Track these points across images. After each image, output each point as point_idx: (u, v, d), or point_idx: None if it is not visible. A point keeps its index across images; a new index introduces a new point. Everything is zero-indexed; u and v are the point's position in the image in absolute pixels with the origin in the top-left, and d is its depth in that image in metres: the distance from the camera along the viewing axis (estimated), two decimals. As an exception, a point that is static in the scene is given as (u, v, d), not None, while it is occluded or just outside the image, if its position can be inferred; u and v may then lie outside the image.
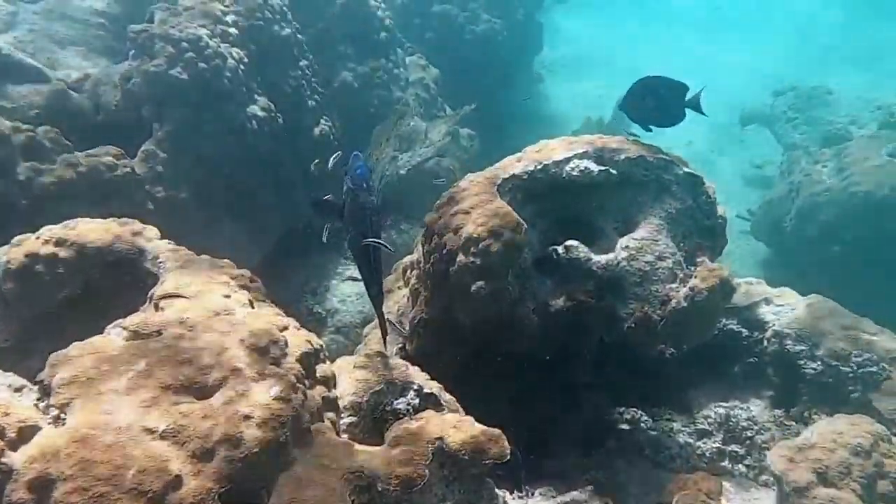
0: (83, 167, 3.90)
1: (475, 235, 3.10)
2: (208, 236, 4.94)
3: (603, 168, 3.36)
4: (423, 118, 7.15)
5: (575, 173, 3.36)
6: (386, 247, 2.54)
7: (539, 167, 3.40)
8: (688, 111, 3.37)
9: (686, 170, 3.35)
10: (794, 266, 6.15)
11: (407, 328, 3.65)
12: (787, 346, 3.38)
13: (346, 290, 5.93)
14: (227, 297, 2.76)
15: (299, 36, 6.12)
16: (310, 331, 5.88)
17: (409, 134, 6.65)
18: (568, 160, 3.38)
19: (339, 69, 6.84)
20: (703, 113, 3.35)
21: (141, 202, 4.29)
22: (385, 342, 3.06)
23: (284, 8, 5.95)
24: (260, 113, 5.21)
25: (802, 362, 3.30)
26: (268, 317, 2.67)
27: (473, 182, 3.40)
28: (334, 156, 2.95)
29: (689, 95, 3.33)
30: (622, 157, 3.37)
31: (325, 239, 3.09)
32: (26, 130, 3.74)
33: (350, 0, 7.05)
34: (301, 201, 5.80)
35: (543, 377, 3.44)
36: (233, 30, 5.15)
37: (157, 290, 2.71)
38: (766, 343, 3.50)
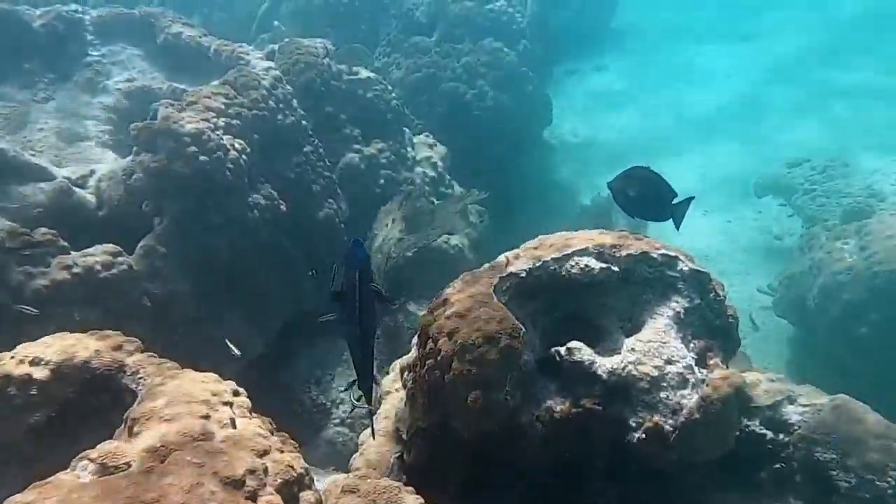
0: (78, 268, 3.86)
1: (470, 341, 2.94)
2: (208, 329, 4.84)
3: (604, 265, 3.21)
4: (429, 197, 7.11)
5: (575, 271, 3.21)
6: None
7: (538, 265, 3.26)
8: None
9: (692, 266, 3.18)
10: (821, 347, 5.86)
11: (405, 435, 3.45)
12: (816, 454, 3.10)
13: (351, 379, 5.74)
14: (207, 417, 2.64)
15: (304, 122, 6.18)
16: (313, 423, 5.65)
17: (415, 214, 6.59)
18: (567, 257, 3.24)
19: (345, 151, 6.87)
20: (677, 226, 3.33)
21: (136, 299, 4.22)
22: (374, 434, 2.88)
23: (289, 96, 6.04)
24: (262, 201, 5.20)
25: (834, 473, 3.01)
26: (248, 440, 2.53)
27: (468, 282, 3.27)
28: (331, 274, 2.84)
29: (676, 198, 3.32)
30: (624, 253, 3.22)
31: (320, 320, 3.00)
32: (22, 234, 3.71)
33: (356, 83, 7.17)
34: (305, 287, 5.71)
35: (550, 489, 3.19)
36: (236, 121, 5.21)
37: (133, 412, 2.58)
38: (792, 448, 3.22)
